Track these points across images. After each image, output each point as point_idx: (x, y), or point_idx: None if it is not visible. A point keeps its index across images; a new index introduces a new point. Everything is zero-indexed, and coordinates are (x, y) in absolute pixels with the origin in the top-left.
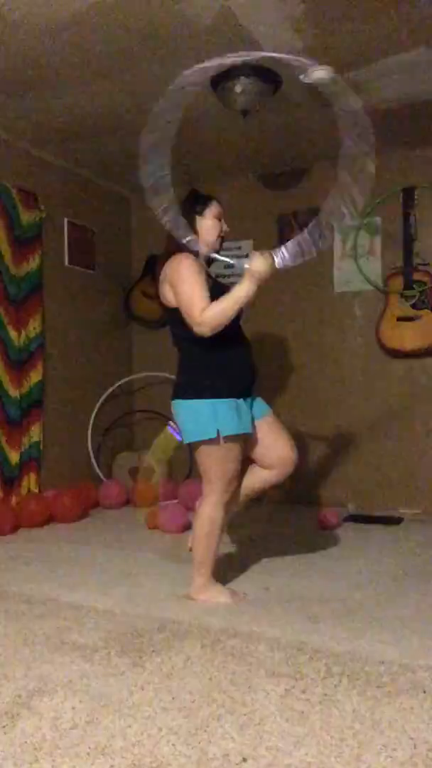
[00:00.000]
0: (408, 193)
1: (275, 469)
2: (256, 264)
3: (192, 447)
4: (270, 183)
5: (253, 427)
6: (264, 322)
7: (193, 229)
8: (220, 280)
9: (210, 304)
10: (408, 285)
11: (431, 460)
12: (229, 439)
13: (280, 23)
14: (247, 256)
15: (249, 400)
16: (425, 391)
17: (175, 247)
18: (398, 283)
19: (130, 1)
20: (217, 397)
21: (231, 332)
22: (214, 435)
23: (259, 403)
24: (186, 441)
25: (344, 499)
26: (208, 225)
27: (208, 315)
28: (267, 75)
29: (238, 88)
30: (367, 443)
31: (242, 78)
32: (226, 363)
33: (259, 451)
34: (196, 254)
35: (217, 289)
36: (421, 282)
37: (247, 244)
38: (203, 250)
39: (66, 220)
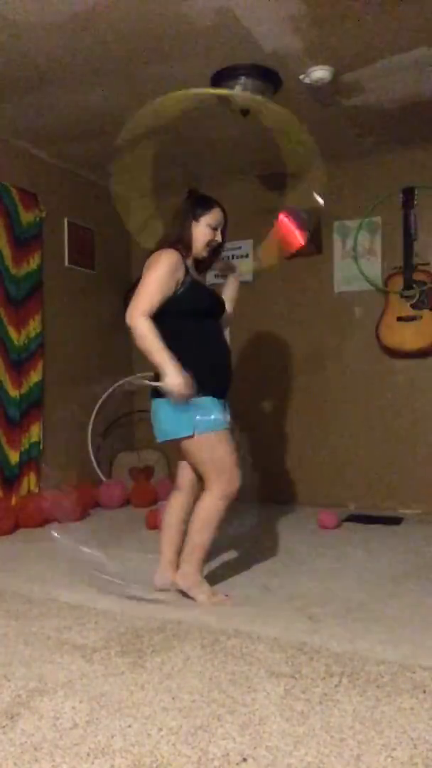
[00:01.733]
0: (408, 193)
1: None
2: (169, 381)
3: (181, 447)
4: (270, 183)
5: None
6: (264, 322)
7: (186, 230)
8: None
9: (154, 307)
10: (408, 285)
11: (431, 460)
12: (212, 433)
13: (280, 23)
14: (247, 256)
15: (223, 402)
16: (425, 391)
17: (165, 245)
18: (398, 283)
19: (130, 1)
20: (195, 395)
21: (211, 334)
22: (191, 432)
23: (227, 413)
24: (162, 439)
25: (344, 499)
26: (199, 232)
27: (140, 327)
28: (267, 75)
29: (238, 88)
30: (367, 443)
31: (242, 78)
32: (203, 362)
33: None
34: (185, 255)
35: (196, 291)
36: (421, 282)
37: (247, 244)
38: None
39: (66, 220)
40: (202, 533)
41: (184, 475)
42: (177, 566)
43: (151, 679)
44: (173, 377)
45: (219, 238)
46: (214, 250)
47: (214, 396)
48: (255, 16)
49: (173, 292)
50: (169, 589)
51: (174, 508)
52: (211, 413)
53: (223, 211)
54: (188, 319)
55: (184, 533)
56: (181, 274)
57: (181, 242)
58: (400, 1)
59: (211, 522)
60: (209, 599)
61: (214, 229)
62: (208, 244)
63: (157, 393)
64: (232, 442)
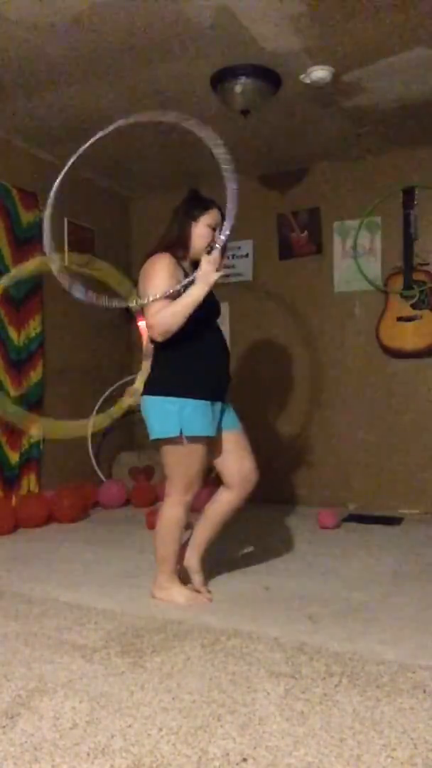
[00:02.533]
0: (408, 193)
1: (235, 489)
2: (205, 268)
3: (157, 445)
4: (270, 183)
5: (221, 436)
6: (264, 322)
7: (185, 231)
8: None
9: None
10: (408, 285)
11: (431, 460)
12: (192, 440)
13: (280, 23)
14: (247, 256)
15: (220, 405)
16: (425, 391)
17: (159, 248)
18: (398, 283)
19: (130, 1)
20: (185, 396)
21: (207, 337)
22: (177, 434)
23: (231, 415)
24: (151, 438)
25: (344, 499)
26: (199, 233)
27: (157, 319)
28: (267, 75)
29: (238, 88)
30: (367, 443)
31: (242, 78)
32: (198, 363)
33: (223, 464)
34: (182, 256)
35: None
36: (421, 282)
37: (247, 244)
38: (188, 256)
39: (66, 220)
40: (166, 542)
41: (229, 468)
42: (201, 551)
43: (151, 679)
44: (206, 267)
45: (222, 237)
46: (222, 250)
47: (208, 399)
48: (255, 16)
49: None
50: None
51: (220, 502)
52: (199, 417)
53: (220, 211)
54: (186, 321)
55: (216, 528)
56: (179, 276)
57: (179, 244)
58: (400, 1)
59: (172, 530)
60: (188, 601)
61: (213, 229)
62: (209, 245)
63: (148, 390)
64: (205, 454)
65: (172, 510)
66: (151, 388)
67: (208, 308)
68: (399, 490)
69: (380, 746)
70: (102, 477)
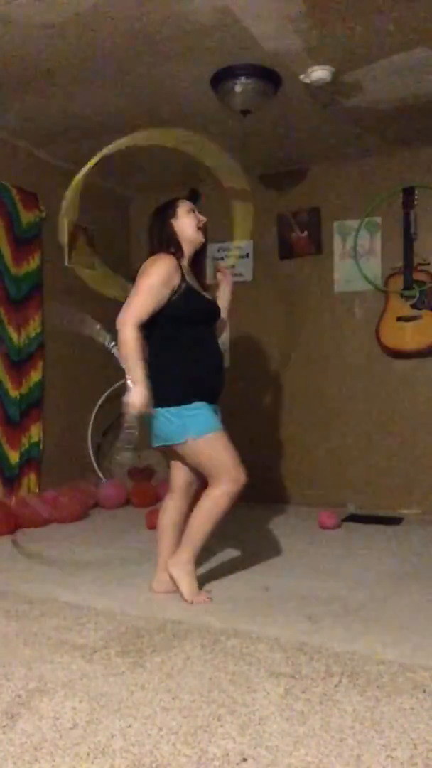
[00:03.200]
0: (408, 193)
1: (185, 495)
2: (132, 397)
3: (181, 452)
4: (270, 183)
5: None
6: (264, 322)
7: (168, 229)
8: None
9: (144, 315)
10: (408, 285)
11: (431, 460)
12: (204, 437)
13: (280, 23)
14: (247, 256)
15: (214, 406)
16: (425, 391)
17: (157, 248)
18: (398, 283)
19: (130, 1)
20: (186, 403)
21: (204, 340)
22: (184, 439)
23: (218, 417)
24: (156, 444)
25: (344, 499)
26: (185, 222)
27: (125, 334)
28: (267, 75)
29: (238, 88)
30: (368, 443)
31: (242, 78)
32: (196, 368)
33: (180, 468)
34: (179, 256)
35: (191, 298)
36: (421, 282)
37: (247, 245)
38: (186, 253)
39: (66, 220)
40: (201, 525)
41: (178, 476)
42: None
43: (151, 679)
44: (137, 395)
45: (202, 217)
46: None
47: (205, 401)
48: (255, 16)
49: (167, 299)
50: (168, 592)
51: (168, 510)
52: (204, 417)
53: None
54: (182, 324)
55: (180, 536)
56: (176, 281)
57: (171, 245)
58: (400, 0)
59: (213, 516)
60: (191, 596)
61: (193, 211)
62: (199, 226)
63: (154, 400)
64: (230, 443)
65: (219, 497)
66: (154, 399)
67: (206, 313)
68: (399, 490)
69: (380, 746)
70: (102, 477)
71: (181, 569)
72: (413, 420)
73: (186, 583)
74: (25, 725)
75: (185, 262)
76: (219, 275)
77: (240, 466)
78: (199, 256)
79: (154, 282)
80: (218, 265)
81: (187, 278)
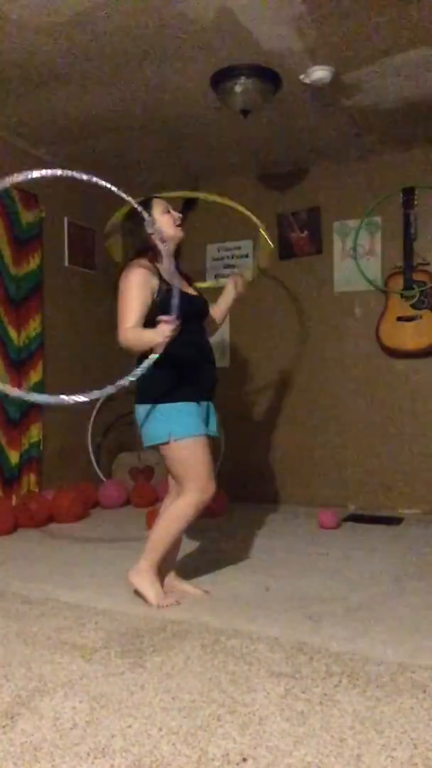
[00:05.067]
0: (408, 193)
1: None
2: (161, 327)
3: (160, 452)
4: (270, 183)
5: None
6: (264, 322)
7: (149, 238)
8: (220, 276)
9: (139, 319)
10: (408, 285)
11: (431, 460)
12: (186, 440)
13: (280, 23)
14: (247, 256)
15: (206, 404)
16: (425, 391)
17: (133, 254)
18: (398, 283)
19: (130, 1)
20: (171, 401)
21: (192, 338)
22: (167, 439)
23: (213, 420)
24: (145, 446)
25: (344, 499)
26: (161, 222)
27: (128, 335)
28: (267, 75)
29: (238, 88)
30: (368, 443)
31: (242, 78)
32: (182, 367)
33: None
34: (155, 259)
35: (169, 299)
36: (421, 282)
37: (246, 244)
38: (168, 245)
39: (66, 220)
40: (164, 533)
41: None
42: (168, 571)
43: (151, 679)
44: (158, 335)
45: (177, 214)
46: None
47: (192, 401)
48: (255, 16)
49: (151, 301)
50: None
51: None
52: (188, 418)
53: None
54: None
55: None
56: (154, 283)
57: (150, 248)
58: (400, 1)
59: (177, 525)
60: (158, 600)
61: (168, 211)
62: (177, 224)
63: (140, 398)
64: (208, 452)
65: (185, 507)
66: (139, 397)
67: (191, 310)
68: (399, 490)
69: (380, 746)
70: (102, 477)
71: (142, 578)
72: (413, 420)
73: (150, 592)
74: (25, 725)
75: (166, 262)
76: (229, 281)
77: (212, 478)
78: (179, 249)
79: (133, 290)
80: (235, 275)
81: (166, 278)
